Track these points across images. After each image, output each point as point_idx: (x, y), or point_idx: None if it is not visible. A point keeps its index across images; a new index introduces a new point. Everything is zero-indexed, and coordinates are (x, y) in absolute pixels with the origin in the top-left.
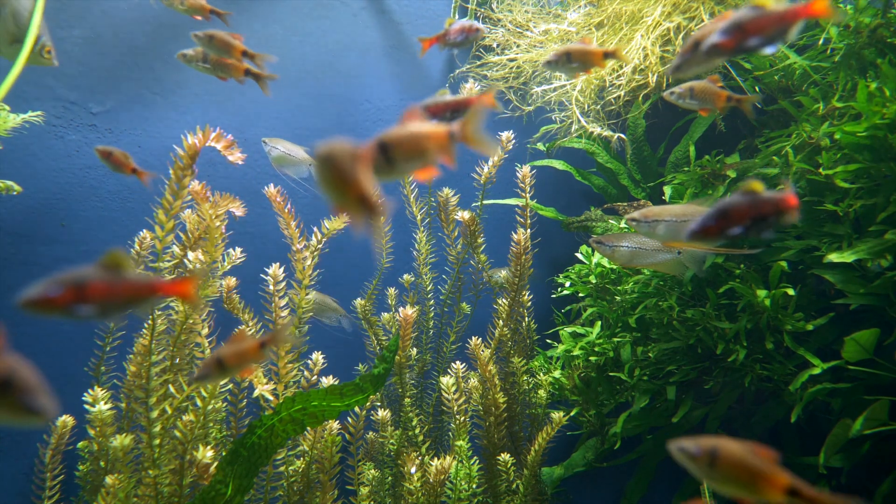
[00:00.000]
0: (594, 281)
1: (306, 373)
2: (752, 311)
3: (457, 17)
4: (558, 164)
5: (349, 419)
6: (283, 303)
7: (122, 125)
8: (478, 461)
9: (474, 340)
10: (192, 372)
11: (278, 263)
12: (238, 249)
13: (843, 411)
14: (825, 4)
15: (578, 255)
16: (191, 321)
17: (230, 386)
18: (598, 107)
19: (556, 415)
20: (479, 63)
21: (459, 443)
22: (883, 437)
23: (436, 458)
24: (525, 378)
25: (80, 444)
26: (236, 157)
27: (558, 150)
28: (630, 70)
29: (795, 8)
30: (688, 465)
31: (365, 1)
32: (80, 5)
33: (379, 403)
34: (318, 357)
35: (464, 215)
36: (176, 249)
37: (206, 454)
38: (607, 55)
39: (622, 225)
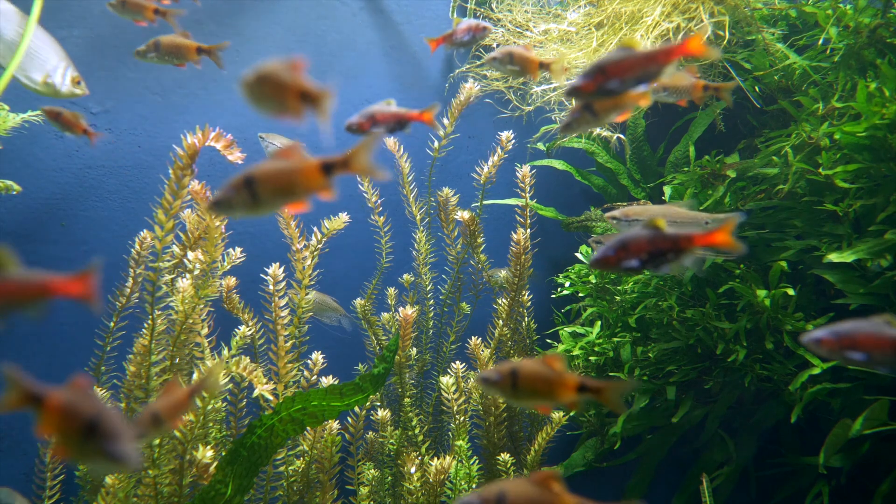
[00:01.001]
0: (594, 281)
1: (306, 373)
2: (751, 311)
3: (456, 16)
4: (558, 164)
5: (349, 419)
6: (282, 303)
7: (122, 125)
8: (477, 461)
9: (474, 340)
10: (192, 372)
11: (278, 263)
12: (238, 249)
13: (843, 411)
14: (699, 43)
15: (578, 255)
16: (190, 321)
17: (230, 386)
18: None
19: (556, 415)
20: (478, 63)
21: (459, 442)
22: (883, 437)
23: (435, 458)
24: None
25: None
26: (236, 156)
27: (558, 150)
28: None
29: (670, 48)
30: (494, 392)
31: (364, 1)
32: (80, 5)
33: (379, 403)
34: (317, 357)
35: (463, 215)
36: (176, 249)
37: (205, 454)
38: (542, 66)
39: None
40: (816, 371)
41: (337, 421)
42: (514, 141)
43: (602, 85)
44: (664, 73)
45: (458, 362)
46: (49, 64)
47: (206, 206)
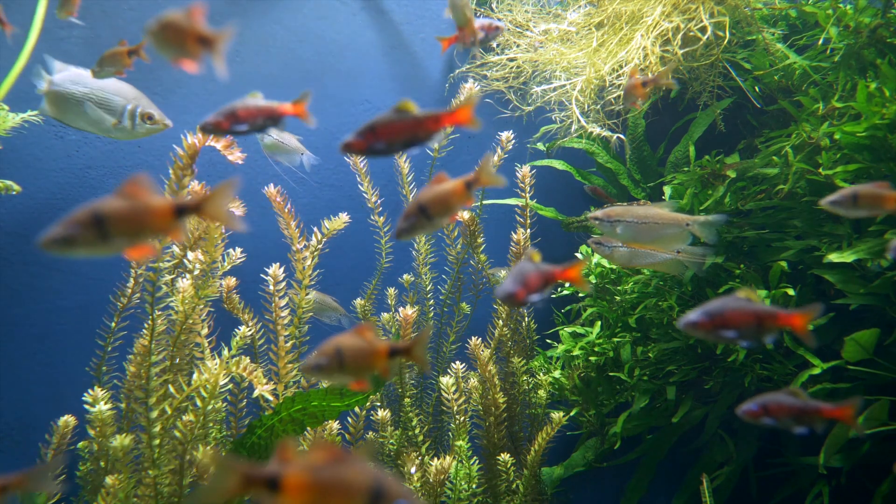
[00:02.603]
0: (594, 281)
1: None
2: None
3: None
4: (558, 164)
5: (349, 419)
6: (283, 303)
7: None
8: (478, 461)
9: (474, 340)
10: (192, 372)
11: (278, 263)
12: (238, 249)
13: None
14: (468, 113)
15: (578, 256)
16: (190, 321)
17: (230, 386)
18: (598, 107)
19: (556, 415)
20: (478, 63)
21: (459, 443)
22: (882, 438)
23: (436, 458)
24: (525, 378)
25: (80, 445)
26: (236, 156)
27: (558, 150)
28: (630, 70)
29: (438, 115)
30: (321, 377)
31: (364, 1)
32: (80, 5)
33: (379, 403)
34: None
35: (463, 215)
36: (176, 249)
37: (205, 454)
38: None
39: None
40: (816, 371)
41: (337, 421)
42: (514, 141)
43: (373, 144)
44: (433, 140)
45: (458, 362)
46: (116, 109)
47: (38, 243)
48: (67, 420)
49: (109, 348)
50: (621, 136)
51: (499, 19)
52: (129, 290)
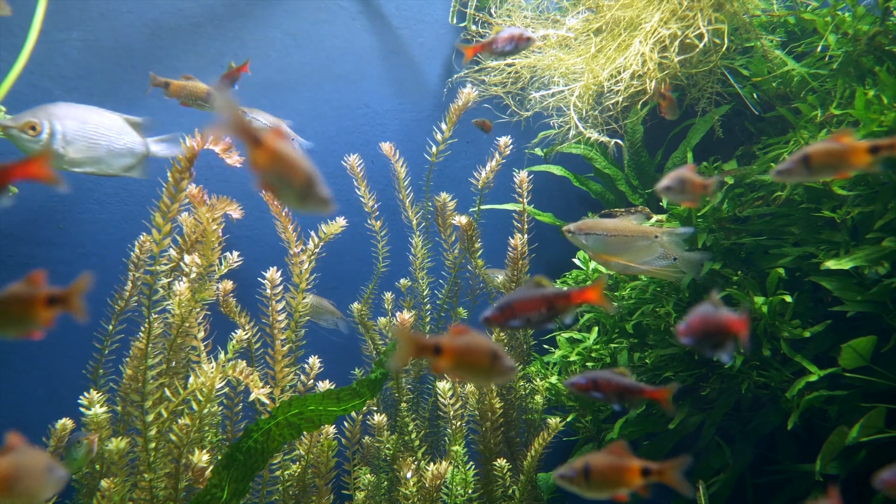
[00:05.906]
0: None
1: (303, 377)
2: (749, 317)
3: (455, 21)
4: (556, 170)
5: (346, 423)
6: (279, 306)
7: None
8: (474, 466)
9: None
10: (188, 375)
11: (275, 267)
12: (235, 253)
13: (840, 419)
14: (43, 167)
15: (576, 261)
16: (187, 324)
17: (226, 389)
18: (597, 112)
19: (553, 420)
20: (477, 68)
21: (455, 448)
22: (879, 445)
23: (432, 463)
24: (522, 383)
25: None
26: (234, 160)
27: (556, 156)
28: (628, 76)
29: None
30: None
31: (363, 5)
32: (79, 8)
33: (375, 408)
34: (314, 361)
35: (461, 220)
36: (173, 253)
37: (201, 458)
38: None
39: None
40: (813, 378)
41: (333, 425)
42: (512, 146)
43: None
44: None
45: None
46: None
47: None
48: (65, 423)
49: (106, 351)
50: (619, 142)
51: (497, 24)
52: (126, 293)
